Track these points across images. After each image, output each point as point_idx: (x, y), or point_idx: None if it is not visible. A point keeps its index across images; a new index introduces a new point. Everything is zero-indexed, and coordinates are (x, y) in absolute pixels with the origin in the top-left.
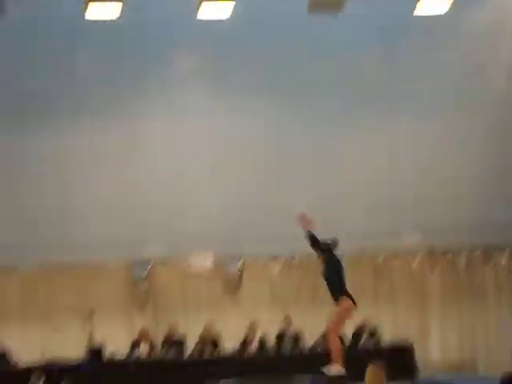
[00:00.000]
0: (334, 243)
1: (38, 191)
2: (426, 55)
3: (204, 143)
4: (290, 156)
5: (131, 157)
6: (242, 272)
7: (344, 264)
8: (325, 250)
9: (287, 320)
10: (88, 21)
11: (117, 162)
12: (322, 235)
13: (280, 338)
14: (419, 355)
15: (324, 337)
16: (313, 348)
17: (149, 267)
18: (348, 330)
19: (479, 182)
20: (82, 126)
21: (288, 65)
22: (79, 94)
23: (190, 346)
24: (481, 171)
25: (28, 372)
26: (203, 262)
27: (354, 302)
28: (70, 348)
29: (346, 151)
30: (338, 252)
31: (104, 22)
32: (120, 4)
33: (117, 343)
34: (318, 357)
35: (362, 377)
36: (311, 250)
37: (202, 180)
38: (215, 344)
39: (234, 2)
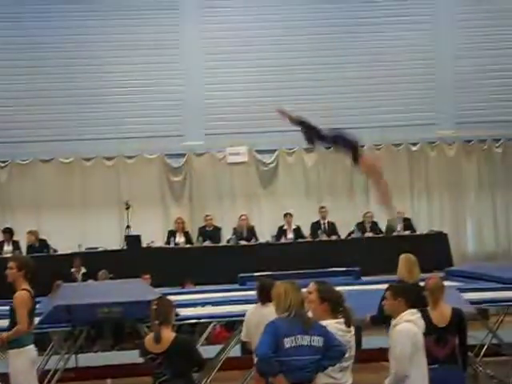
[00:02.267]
0: None
1: (78, 78)
2: None
3: (235, 35)
4: (324, 46)
5: (167, 48)
6: (277, 164)
7: (381, 153)
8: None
9: (322, 211)
10: None
11: (153, 55)
12: (360, 124)
13: (315, 227)
14: (454, 245)
15: (358, 226)
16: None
17: (184, 158)
18: (384, 219)
19: None
20: (120, 15)
21: None
22: None
23: (226, 236)
24: None
25: (69, 258)
26: (238, 153)
27: None
28: (108, 237)
29: (380, 42)
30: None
31: None
32: None
33: (154, 233)
34: (353, 243)
35: (396, 265)
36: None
37: (235, 73)
38: (251, 234)
39: None
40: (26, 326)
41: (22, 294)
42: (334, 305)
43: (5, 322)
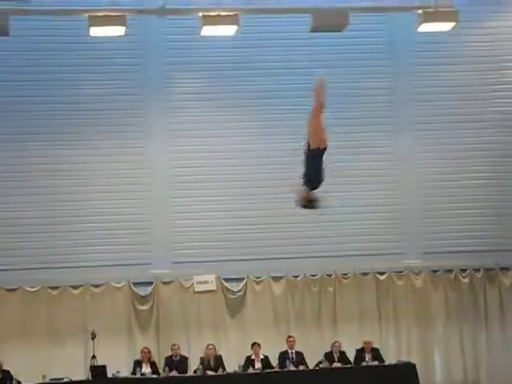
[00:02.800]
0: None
1: (44, 207)
2: None
3: (202, 164)
4: (289, 175)
5: (134, 177)
6: (244, 292)
7: (348, 282)
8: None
9: (290, 340)
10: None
11: (120, 181)
12: (328, 253)
13: (283, 357)
14: (422, 375)
15: (326, 355)
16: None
17: (152, 287)
18: (352, 349)
19: (483, 202)
20: (85, 145)
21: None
22: (83, 113)
23: (193, 365)
24: (484, 194)
25: None
26: (206, 281)
27: None
28: (72, 368)
29: (348, 171)
30: (342, 271)
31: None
32: (123, 28)
33: (119, 363)
34: (322, 373)
35: None
36: (313, 271)
37: (204, 200)
38: (218, 364)
39: (235, 27)
40: None
41: None
42: None
43: None
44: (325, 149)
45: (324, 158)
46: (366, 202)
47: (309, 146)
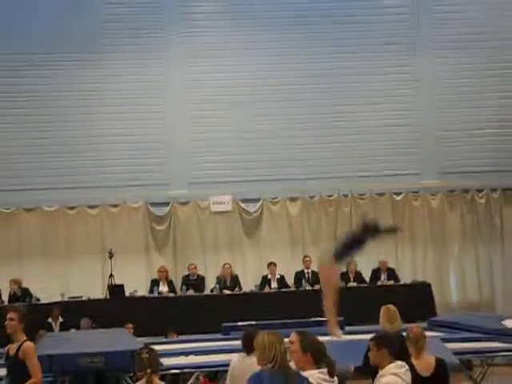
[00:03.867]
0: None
1: (62, 128)
2: None
3: (220, 84)
4: (306, 96)
5: (152, 97)
6: (261, 213)
7: (365, 202)
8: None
9: (306, 260)
10: None
11: (138, 102)
12: (344, 174)
13: (299, 277)
14: (438, 295)
15: (342, 275)
16: None
17: (168, 207)
18: (367, 268)
19: (500, 122)
20: (105, 65)
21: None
22: (99, 33)
23: (209, 284)
24: (502, 114)
25: (50, 308)
26: (222, 202)
27: None
28: (90, 286)
29: (366, 92)
30: (359, 192)
31: None
32: None
33: (137, 282)
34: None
35: (379, 314)
36: (329, 191)
37: (220, 121)
38: (234, 283)
39: None
40: (40, 376)
41: (31, 346)
42: (317, 355)
43: None
44: None
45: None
46: (381, 123)
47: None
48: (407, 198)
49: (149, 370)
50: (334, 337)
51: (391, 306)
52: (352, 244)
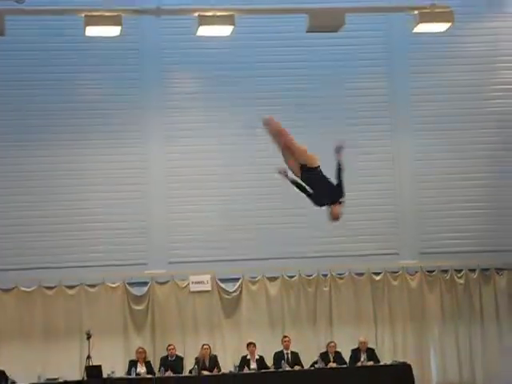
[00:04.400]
0: None
1: (40, 206)
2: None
3: (199, 164)
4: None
5: (131, 177)
6: (240, 292)
7: (344, 282)
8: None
9: (285, 340)
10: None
11: (116, 181)
12: (323, 253)
13: (278, 357)
14: (418, 375)
15: (322, 356)
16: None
17: (147, 287)
18: (347, 349)
19: (478, 203)
20: (84, 145)
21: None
22: (80, 113)
23: (188, 365)
24: (480, 194)
25: None
26: (202, 282)
27: None
28: (67, 368)
29: (346, 172)
30: (338, 271)
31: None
32: (119, 28)
33: (114, 363)
34: (317, 373)
35: None
36: (309, 270)
37: (199, 200)
38: (213, 364)
39: (232, 27)
40: None
41: None
42: None
43: None
44: (318, 166)
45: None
46: (361, 202)
47: (307, 167)
48: (386, 278)
49: None
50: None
51: None
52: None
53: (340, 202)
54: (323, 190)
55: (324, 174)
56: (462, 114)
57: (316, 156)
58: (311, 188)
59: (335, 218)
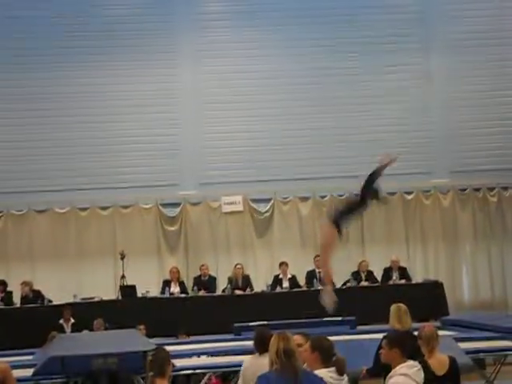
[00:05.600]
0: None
1: (73, 129)
2: None
3: (231, 85)
4: (318, 95)
5: (163, 98)
6: (272, 213)
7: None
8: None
9: (317, 260)
10: None
11: (148, 102)
12: (354, 173)
13: (310, 277)
14: (450, 294)
15: (353, 274)
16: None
17: (179, 208)
18: (379, 268)
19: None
20: (117, 67)
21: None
22: (112, 34)
23: (221, 285)
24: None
25: (62, 309)
26: (234, 202)
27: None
28: (102, 287)
29: (377, 91)
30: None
31: None
32: None
33: (149, 282)
34: (349, 292)
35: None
36: (340, 190)
37: (231, 121)
38: (246, 283)
39: None
40: None
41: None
42: (325, 354)
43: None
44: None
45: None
46: (392, 121)
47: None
48: (418, 197)
49: (151, 373)
50: (325, 291)
51: (402, 305)
52: (349, 208)
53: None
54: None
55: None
56: (496, 31)
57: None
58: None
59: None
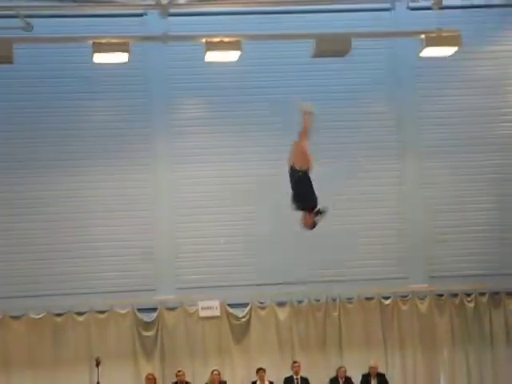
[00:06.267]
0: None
1: (49, 233)
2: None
3: (207, 189)
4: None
5: (139, 203)
6: (249, 318)
7: (353, 306)
8: None
9: (295, 366)
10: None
11: (124, 207)
12: (332, 278)
13: (288, 383)
14: None
15: (332, 381)
16: None
17: (156, 313)
18: (357, 374)
19: (487, 226)
20: (90, 172)
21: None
22: (88, 139)
23: None
24: (488, 217)
25: None
26: (211, 307)
27: None
28: None
29: (353, 196)
30: (347, 296)
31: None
32: (126, 54)
33: None
34: None
35: None
36: (317, 295)
37: (207, 225)
38: None
39: (238, 52)
40: None
41: None
42: None
43: None
44: (308, 170)
45: (312, 179)
46: (370, 227)
47: (293, 168)
48: (396, 303)
49: None
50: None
51: None
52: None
53: (317, 213)
54: (302, 193)
55: (311, 180)
56: (471, 138)
57: (312, 161)
58: (294, 188)
59: (306, 225)
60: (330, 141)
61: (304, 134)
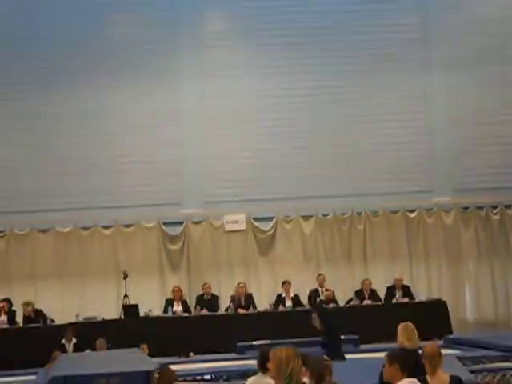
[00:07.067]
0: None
1: (76, 148)
2: None
3: (235, 104)
4: (319, 114)
5: (166, 117)
6: (274, 231)
7: (378, 220)
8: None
9: (320, 278)
10: None
11: (152, 122)
12: (357, 191)
13: (313, 295)
14: (453, 313)
15: (357, 293)
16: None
17: (182, 227)
18: (382, 286)
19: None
20: (119, 87)
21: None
22: (114, 54)
23: (224, 304)
24: None
25: (64, 329)
26: (236, 221)
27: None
28: (105, 307)
29: (378, 109)
30: (372, 209)
31: None
32: None
33: (151, 302)
34: (352, 310)
35: (395, 332)
36: (343, 209)
37: (234, 140)
38: (249, 302)
39: None
40: None
41: None
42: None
43: None
44: None
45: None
46: (395, 140)
47: None
48: (421, 216)
49: None
50: None
51: (409, 324)
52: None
53: None
54: None
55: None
56: (497, 50)
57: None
58: None
59: None
60: (356, 54)
61: None
